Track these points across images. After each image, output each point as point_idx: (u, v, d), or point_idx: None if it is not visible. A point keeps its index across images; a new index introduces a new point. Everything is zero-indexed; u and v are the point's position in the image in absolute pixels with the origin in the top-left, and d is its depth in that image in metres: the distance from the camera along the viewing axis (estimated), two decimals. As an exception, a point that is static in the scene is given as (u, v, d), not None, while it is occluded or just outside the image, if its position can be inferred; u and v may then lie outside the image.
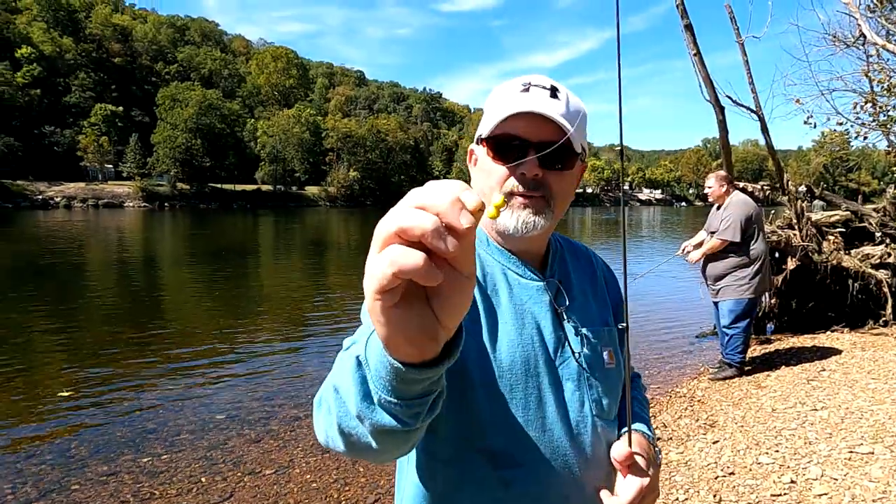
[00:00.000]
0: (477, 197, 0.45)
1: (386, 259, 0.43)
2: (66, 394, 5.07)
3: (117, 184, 73.50)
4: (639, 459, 0.96)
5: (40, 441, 4.11)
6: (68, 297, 10.17)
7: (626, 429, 1.01)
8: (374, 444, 0.65)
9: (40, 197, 64.05)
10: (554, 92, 0.93)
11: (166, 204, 71.32)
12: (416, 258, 0.43)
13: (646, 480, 0.95)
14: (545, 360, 0.96)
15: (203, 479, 3.52)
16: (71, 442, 4.09)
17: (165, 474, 3.60)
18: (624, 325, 1.04)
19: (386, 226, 0.44)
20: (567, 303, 1.01)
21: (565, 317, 1.00)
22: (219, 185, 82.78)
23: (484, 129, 0.97)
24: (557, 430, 0.94)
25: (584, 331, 1.01)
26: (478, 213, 0.45)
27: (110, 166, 78.62)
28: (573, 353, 0.98)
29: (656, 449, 1.05)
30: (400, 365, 0.54)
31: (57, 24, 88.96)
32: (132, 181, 73.51)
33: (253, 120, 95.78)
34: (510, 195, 0.93)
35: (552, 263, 1.06)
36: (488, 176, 0.95)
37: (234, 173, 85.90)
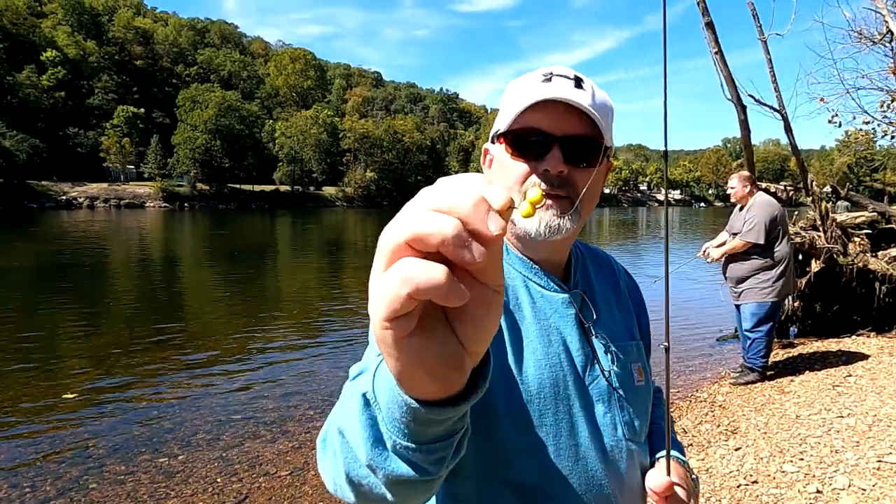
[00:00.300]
0: (505, 192, 0.37)
1: (397, 276, 0.34)
2: (84, 392, 5.12)
3: (138, 184, 74.74)
4: (679, 491, 0.89)
5: (60, 439, 4.16)
6: (90, 296, 10.32)
7: (660, 454, 0.95)
8: (388, 495, 0.56)
9: (64, 197, 65.33)
10: (578, 82, 0.86)
11: (186, 204, 72.30)
12: (436, 273, 0.34)
13: None
14: (574, 380, 0.87)
15: (219, 480, 3.53)
16: (89, 441, 4.13)
17: (181, 474, 3.61)
18: (666, 344, 0.95)
19: (394, 234, 0.35)
20: (594, 316, 0.94)
21: (593, 332, 0.92)
22: (238, 186, 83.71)
23: (502, 123, 0.88)
24: (591, 457, 0.85)
25: (612, 347, 0.93)
26: (506, 212, 0.37)
27: (132, 167, 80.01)
28: (602, 371, 0.90)
29: (693, 477, 0.96)
30: (418, 404, 0.45)
31: (81, 27, 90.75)
32: (153, 182, 74.70)
33: (271, 121, 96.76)
34: None
35: (575, 273, 0.98)
36: (506, 174, 0.87)
37: (252, 174, 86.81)
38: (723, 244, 5.15)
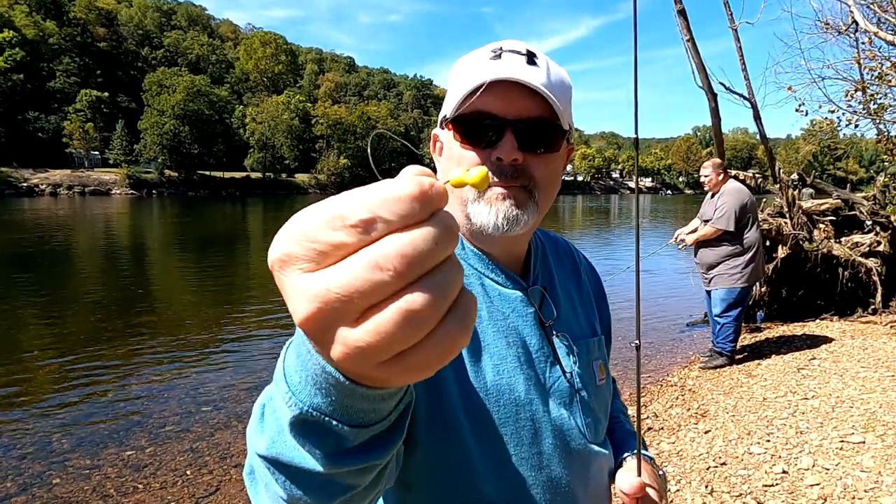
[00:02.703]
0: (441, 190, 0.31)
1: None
2: (48, 384, 4.97)
3: (104, 171, 72.58)
4: (651, 492, 0.87)
5: (21, 433, 4.02)
6: (52, 285, 10.00)
7: (627, 454, 0.93)
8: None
9: (25, 184, 63.06)
10: (531, 58, 0.77)
11: (154, 191, 70.61)
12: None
13: None
14: (535, 383, 0.81)
15: (188, 472, 3.46)
16: (52, 434, 4.00)
17: (150, 467, 3.53)
18: (637, 342, 0.93)
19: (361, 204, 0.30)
20: (555, 314, 0.88)
21: (553, 331, 0.87)
22: (207, 173, 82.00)
23: (448, 107, 0.79)
24: (555, 464, 0.81)
25: (574, 346, 0.88)
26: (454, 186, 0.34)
27: (96, 153, 77.60)
28: (564, 373, 0.85)
29: (660, 473, 0.94)
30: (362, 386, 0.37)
31: (40, 7, 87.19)
32: (119, 168, 72.59)
33: (242, 106, 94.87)
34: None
35: (534, 267, 0.91)
36: (457, 164, 0.78)
37: (222, 160, 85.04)
38: (695, 230, 5.22)
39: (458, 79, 0.80)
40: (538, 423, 0.80)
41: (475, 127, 0.76)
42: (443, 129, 0.83)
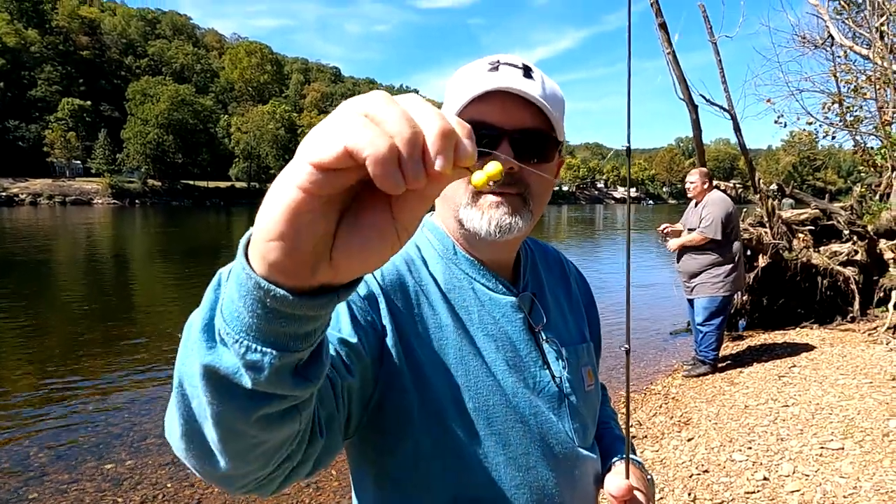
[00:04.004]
0: (475, 148, 0.37)
1: (348, 127, 0.34)
2: (25, 397, 4.87)
3: (85, 180, 71.60)
4: (638, 495, 0.88)
5: (-3, 448, 3.94)
6: (32, 296, 9.83)
7: (616, 458, 0.95)
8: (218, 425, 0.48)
9: (4, 194, 61.92)
10: (528, 71, 0.80)
11: (137, 201, 69.75)
12: (382, 142, 0.33)
13: None
14: (524, 387, 0.83)
15: (169, 486, 3.41)
16: (30, 448, 3.92)
17: (130, 481, 3.47)
18: (627, 347, 0.95)
19: (358, 108, 0.35)
20: (544, 319, 0.90)
21: (543, 336, 0.89)
22: (192, 182, 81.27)
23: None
24: (542, 467, 0.82)
25: (563, 351, 0.90)
26: (461, 170, 0.37)
27: (78, 162, 76.62)
28: (553, 377, 0.87)
29: (649, 477, 0.96)
30: (256, 276, 0.39)
31: (21, 15, 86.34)
32: (101, 177, 71.65)
33: (227, 116, 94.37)
34: (478, 194, 0.80)
35: (524, 273, 0.93)
36: None
37: (207, 170, 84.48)
38: (680, 233, 5.28)
39: (456, 88, 0.81)
40: (526, 426, 0.82)
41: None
42: None
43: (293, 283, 0.39)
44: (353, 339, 0.71)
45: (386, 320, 0.77)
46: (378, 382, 0.75)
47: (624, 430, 0.91)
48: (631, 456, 0.95)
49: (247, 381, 0.44)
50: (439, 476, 0.78)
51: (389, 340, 0.76)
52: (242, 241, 0.42)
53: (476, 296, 0.85)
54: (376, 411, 0.76)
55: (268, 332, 0.42)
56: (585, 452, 0.89)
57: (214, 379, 0.45)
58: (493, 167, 0.40)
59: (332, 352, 0.66)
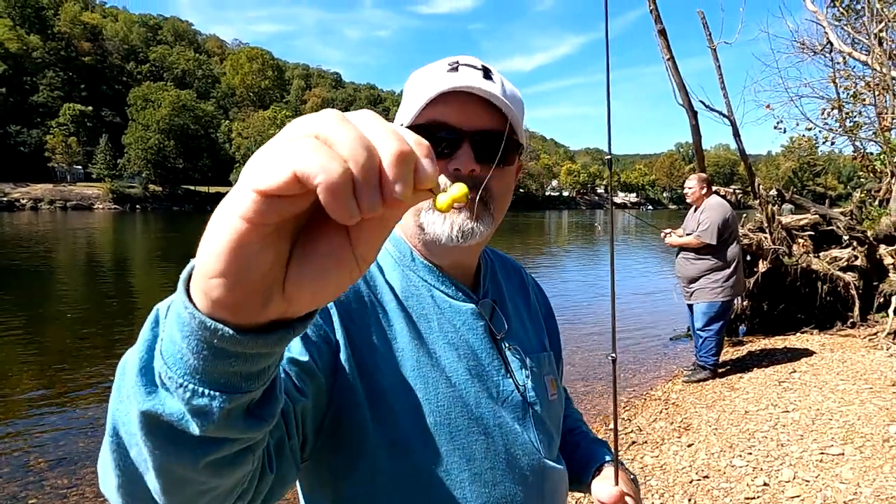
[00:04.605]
0: (436, 169, 0.34)
1: (297, 150, 0.30)
2: (25, 402, 4.87)
3: (86, 185, 71.81)
4: (629, 500, 0.87)
5: (-3, 453, 3.94)
6: (32, 301, 9.84)
7: (600, 463, 0.94)
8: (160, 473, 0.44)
9: (5, 199, 62.09)
10: (487, 73, 0.77)
11: (137, 206, 69.90)
12: (335, 166, 0.29)
13: None
14: (487, 396, 0.80)
15: (169, 491, 3.40)
16: (30, 454, 3.92)
17: (129, 486, 3.46)
18: (613, 356, 0.93)
19: (312, 125, 0.31)
20: (506, 327, 0.87)
21: (505, 344, 0.86)
22: (192, 188, 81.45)
23: (404, 117, 0.78)
24: (508, 481, 0.79)
25: (527, 360, 0.87)
26: (423, 192, 0.33)
27: (79, 167, 76.89)
28: (517, 386, 0.84)
29: (632, 477, 0.95)
30: (200, 315, 0.36)
31: (24, 21, 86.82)
32: (102, 183, 71.89)
33: (228, 121, 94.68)
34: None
35: (485, 281, 0.90)
36: None
37: (208, 175, 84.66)
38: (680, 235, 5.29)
39: (415, 90, 0.79)
40: (490, 438, 0.79)
41: (432, 137, 0.74)
42: None
43: (242, 320, 0.35)
44: (304, 358, 0.66)
45: (339, 333, 0.73)
46: (332, 400, 0.71)
47: (612, 435, 0.90)
48: (609, 458, 0.94)
49: (194, 428, 0.40)
50: (399, 497, 0.73)
51: (343, 354, 0.72)
52: (183, 276, 0.38)
53: (435, 303, 0.82)
54: (331, 431, 0.72)
55: (216, 374, 0.38)
56: (552, 464, 0.87)
57: (156, 427, 0.41)
58: (458, 189, 0.38)
59: (281, 374, 0.57)
